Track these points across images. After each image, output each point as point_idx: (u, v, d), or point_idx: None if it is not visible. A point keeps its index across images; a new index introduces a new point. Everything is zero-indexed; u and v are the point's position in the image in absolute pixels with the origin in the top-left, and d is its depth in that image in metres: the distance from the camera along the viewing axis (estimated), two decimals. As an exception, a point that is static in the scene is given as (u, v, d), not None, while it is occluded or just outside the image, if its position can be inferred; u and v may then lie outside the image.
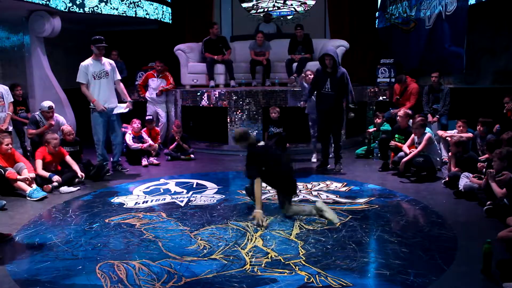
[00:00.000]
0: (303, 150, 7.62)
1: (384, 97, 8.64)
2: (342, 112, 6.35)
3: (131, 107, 6.33)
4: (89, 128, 6.31)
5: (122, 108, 6.28)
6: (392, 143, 6.38)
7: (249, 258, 3.51)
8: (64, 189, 5.50)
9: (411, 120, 6.46)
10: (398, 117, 6.58)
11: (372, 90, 8.69)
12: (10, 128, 6.23)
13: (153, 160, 7.14)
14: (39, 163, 5.60)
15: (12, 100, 6.35)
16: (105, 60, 6.26)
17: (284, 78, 8.62)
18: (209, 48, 8.55)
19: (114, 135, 6.44)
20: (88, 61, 6.13)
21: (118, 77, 6.38)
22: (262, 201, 4.99)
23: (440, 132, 6.66)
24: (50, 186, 5.46)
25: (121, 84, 6.46)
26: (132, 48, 10.11)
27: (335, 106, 6.18)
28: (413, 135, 6.13)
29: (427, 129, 6.20)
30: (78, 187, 5.60)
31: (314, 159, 7.07)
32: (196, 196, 5.27)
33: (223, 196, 5.28)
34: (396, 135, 6.58)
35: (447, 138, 6.36)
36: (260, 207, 4.30)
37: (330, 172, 6.39)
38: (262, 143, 4.89)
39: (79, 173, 5.77)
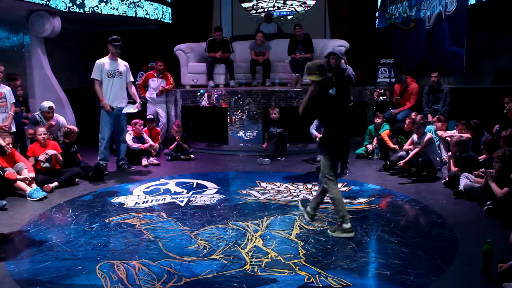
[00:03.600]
0: (303, 150, 7.63)
1: (384, 97, 8.64)
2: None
3: (140, 108, 6.50)
4: (89, 128, 6.32)
5: (132, 108, 6.41)
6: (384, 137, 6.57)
7: (249, 258, 3.51)
8: None
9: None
10: (408, 120, 6.55)
11: (372, 90, 8.69)
12: (13, 128, 6.23)
13: (153, 160, 7.14)
14: (31, 160, 5.57)
15: (14, 101, 6.35)
16: (120, 61, 6.41)
17: (284, 78, 8.61)
18: (212, 48, 8.56)
19: (120, 134, 6.55)
20: (105, 59, 6.29)
21: (131, 78, 6.55)
22: (262, 201, 5.03)
23: (440, 132, 6.66)
24: (50, 186, 5.46)
25: (133, 86, 6.63)
26: (132, 48, 10.09)
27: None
28: (413, 134, 6.14)
29: (429, 127, 6.20)
30: None
31: (319, 158, 7.05)
32: (196, 196, 5.27)
33: (223, 196, 5.28)
34: (400, 136, 6.59)
35: (447, 138, 6.35)
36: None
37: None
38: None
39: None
